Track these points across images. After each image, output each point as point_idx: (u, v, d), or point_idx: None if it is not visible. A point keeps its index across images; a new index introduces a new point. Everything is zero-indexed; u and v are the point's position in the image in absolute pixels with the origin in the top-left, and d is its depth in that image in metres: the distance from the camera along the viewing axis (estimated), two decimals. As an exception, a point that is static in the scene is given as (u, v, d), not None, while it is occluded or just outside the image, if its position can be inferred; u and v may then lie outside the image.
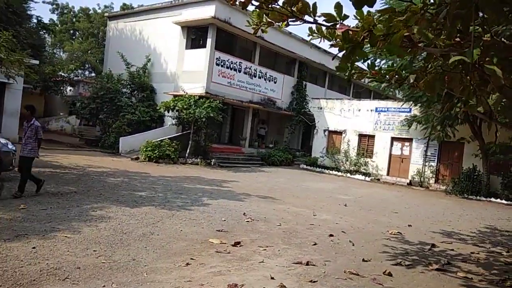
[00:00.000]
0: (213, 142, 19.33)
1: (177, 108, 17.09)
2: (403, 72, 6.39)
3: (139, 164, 15.69)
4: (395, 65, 13.18)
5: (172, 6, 21.14)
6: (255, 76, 22.06)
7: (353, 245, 6.53)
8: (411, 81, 5.26)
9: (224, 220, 7.26)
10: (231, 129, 24.04)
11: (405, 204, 12.63)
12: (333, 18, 4.42)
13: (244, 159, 20.44)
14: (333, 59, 5.40)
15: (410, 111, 19.64)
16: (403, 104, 18.81)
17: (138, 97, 21.19)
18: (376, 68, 7.05)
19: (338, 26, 4.61)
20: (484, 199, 15.91)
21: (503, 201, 15.46)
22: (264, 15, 5.08)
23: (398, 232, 7.82)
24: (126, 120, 19.58)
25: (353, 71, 6.15)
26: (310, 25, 4.65)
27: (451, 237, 8.07)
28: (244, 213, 8.04)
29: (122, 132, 19.51)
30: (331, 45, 5.26)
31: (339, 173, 20.88)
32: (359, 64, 8.97)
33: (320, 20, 4.55)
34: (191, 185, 11.38)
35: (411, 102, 18.03)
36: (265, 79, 22.84)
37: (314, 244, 6.28)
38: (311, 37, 5.56)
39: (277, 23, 5.20)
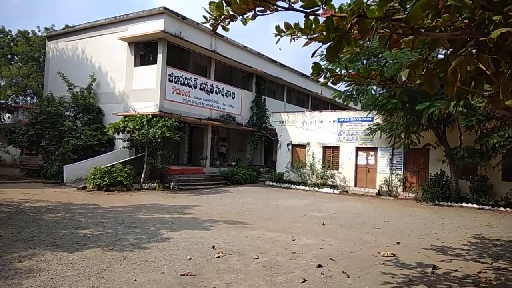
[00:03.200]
0: (171, 164, 17.82)
1: (128, 129, 15.48)
2: (388, 71, 5.51)
3: (86, 194, 13.84)
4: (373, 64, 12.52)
5: (117, 22, 19.62)
6: (212, 92, 20.93)
7: (348, 277, 5.44)
8: (403, 79, 4.29)
9: (190, 259, 5.92)
10: (190, 149, 22.60)
11: (382, 217, 11.84)
12: (313, 2, 3.43)
13: (206, 179, 19.04)
14: (312, 55, 4.37)
15: (372, 120, 19.31)
16: (368, 114, 18.42)
17: (83, 120, 19.26)
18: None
19: (320, 12, 3.62)
20: (456, 204, 15.59)
21: (474, 205, 15.20)
22: (225, 6, 4.01)
23: (391, 253, 6.86)
24: (71, 145, 17.61)
25: (328, 75, 5.21)
26: (284, 11, 3.63)
27: (446, 253, 7.23)
28: (213, 246, 6.73)
29: (67, 159, 17.50)
30: (310, 39, 4.28)
31: (307, 188, 20.03)
32: (332, 67, 7.90)
33: (297, 6, 3.56)
34: (148, 215, 9.87)
35: (373, 111, 17.70)
36: (222, 95, 21.76)
37: (304, 281, 5.12)
38: (278, 37, 4.56)
39: (241, 16, 4.14)
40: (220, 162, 22.26)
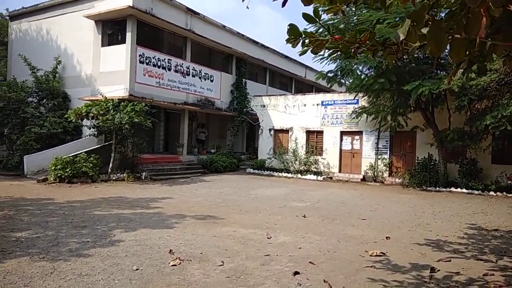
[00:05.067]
0: (143, 152, 16.53)
1: (91, 114, 14.11)
2: (378, 30, 4.46)
3: (46, 187, 12.54)
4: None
5: (82, -2, 18.02)
6: (188, 75, 19.58)
7: (331, 287, 4.43)
8: (401, 37, 3.18)
9: (137, 269, 4.82)
10: (166, 136, 21.32)
11: (368, 205, 10.94)
12: None
13: (183, 168, 17.86)
14: (283, 5, 3.28)
15: (357, 103, 18.37)
16: (355, 96, 17.41)
17: (47, 106, 17.75)
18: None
19: None
20: (444, 189, 14.87)
21: (464, 190, 14.48)
22: None
23: (381, 252, 5.89)
24: (33, 134, 16.19)
25: (307, 40, 4.12)
26: None
27: (442, 249, 6.32)
28: (170, 251, 5.63)
29: (30, 148, 16.12)
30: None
31: (289, 175, 19.09)
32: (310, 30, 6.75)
33: None
34: (105, 211, 8.69)
35: (359, 93, 16.74)
36: (200, 78, 20.43)
37: (275, 297, 4.10)
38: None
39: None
40: (198, 150, 21.07)
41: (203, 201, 10.63)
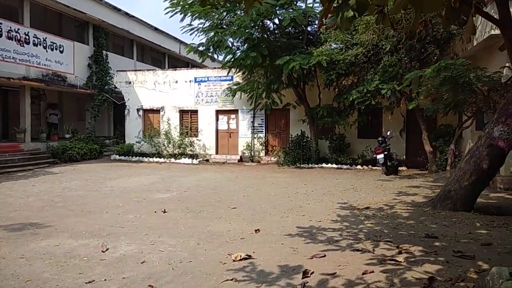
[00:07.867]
0: (-37, 142, 12.80)
1: None
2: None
3: None
4: None
5: None
6: (27, 43, 15.84)
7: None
8: None
9: None
10: (5, 120, 17.26)
11: (242, 189, 9.99)
12: None
13: (24, 159, 14.48)
14: None
15: (232, 79, 17.35)
16: (228, 72, 16.24)
17: None
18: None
19: None
20: (316, 165, 14.99)
21: (334, 166, 14.81)
22: None
23: (247, 255, 4.74)
24: None
25: None
26: None
27: (315, 239, 5.51)
28: None
29: None
30: None
31: (162, 160, 17.30)
32: None
33: None
34: None
35: (232, 69, 15.68)
36: (45, 47, 16.79)
37: None
38: None
39: None
40: (48, 135, 17.58)
41: (34, 202, 8.23)
